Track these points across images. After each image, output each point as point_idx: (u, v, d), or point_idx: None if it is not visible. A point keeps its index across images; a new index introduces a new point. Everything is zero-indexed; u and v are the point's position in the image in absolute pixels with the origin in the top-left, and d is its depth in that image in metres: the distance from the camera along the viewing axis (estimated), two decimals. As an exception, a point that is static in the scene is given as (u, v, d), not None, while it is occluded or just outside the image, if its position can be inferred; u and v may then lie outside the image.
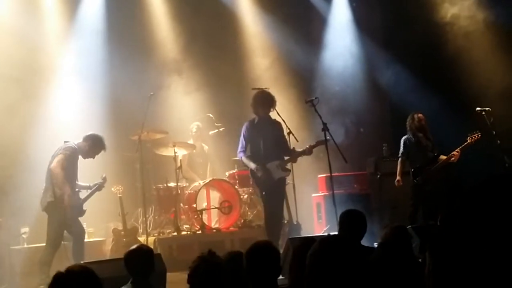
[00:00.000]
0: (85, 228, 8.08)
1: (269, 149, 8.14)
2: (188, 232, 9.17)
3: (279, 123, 8.33)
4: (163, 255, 7.03)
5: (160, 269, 5.54)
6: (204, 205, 9.41)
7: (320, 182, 10.28)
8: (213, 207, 9.47)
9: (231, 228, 9.37)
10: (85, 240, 8.03)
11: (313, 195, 10.34)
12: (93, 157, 7.99)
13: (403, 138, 9.09)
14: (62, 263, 6.86)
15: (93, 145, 7.90)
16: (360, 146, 10.84)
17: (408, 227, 5.51)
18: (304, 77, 11.29)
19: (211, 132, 10.37)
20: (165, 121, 10.27)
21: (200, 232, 9.02)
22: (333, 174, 8.37)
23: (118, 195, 8.83)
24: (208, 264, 3.50)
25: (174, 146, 9.24)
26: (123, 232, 8.81)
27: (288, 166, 8.33)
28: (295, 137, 8.42)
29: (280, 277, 3.82)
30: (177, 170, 9.15)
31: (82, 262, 6.34)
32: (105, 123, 9.51)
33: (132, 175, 9.92)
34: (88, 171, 8.27)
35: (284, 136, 8.35)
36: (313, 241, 2.89)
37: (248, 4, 11.45)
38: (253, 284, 3.61)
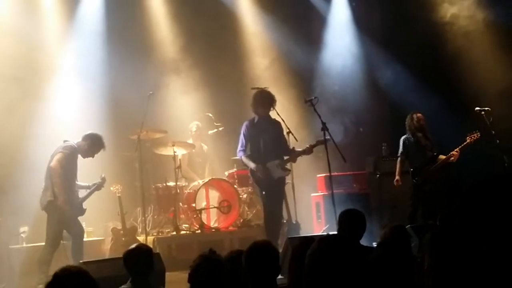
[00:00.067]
0: (84, 227, 8.09)
1: (269, 149, 8.14)
2: (187, 232, 9.17)
3: (278, 123, 8.33)
4: (162, 254, 7.03)
5: (159, 269, 5.54)
6: (203, 204, 9.40)
7: (319, 181, 10.28)
8: (212, 206, 9.47)
9: (230, 228, 9.37)
10: (84, 239, 8.03)
11: (312, 194, 10.34)
12: (93, 156, 7.99)
13: (402, 137, 9.09)
14: (61, 263, 6.81)
15: (93, 144, 7.89)
16: (360, 146, 10.83)
17: (407, 226, 5.51)
18: (304, 76, 11.28)
19: (210, 132, 10.36)
20: (164, 120, 10.27)
21: (199, 231, 9.02)
22: (332, 174, 8.37)
23: (117, 195, 8.83)
24: (209, 263, 3.50)
25: (173, 145, 9.24)
26: (122, 232, 8.81)
27: (288, 165, 8.34)
28: (294, 137, 8.43)
29: (279, 276, 3.81)
30: (176, 170, 9.15)
31: (81, 261, 6.33)
32: (105, 122, 9.50)
33: (131, 175, 9.91)
34: (87, 170, 8.27)
35: (284, 136, 8.35)
36: (312, 240, 2.89)
37: (247, 4, 11.44)
38: (252, 284, 3.61)
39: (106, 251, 8.91)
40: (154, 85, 10.08)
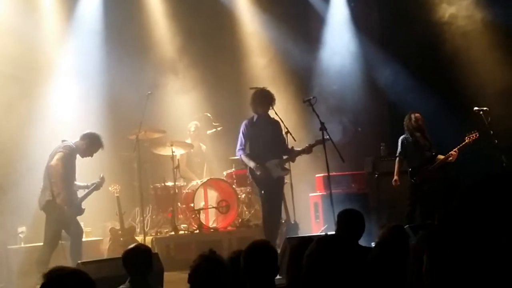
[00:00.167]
0: (82, 227, 8.08)
1: (268, 148, 8.14)
2: (186, 232, 9.16)
3: (277, 122, 8.32)
4: (161, 254, 7.02)
5: (157, 269, 5.54)
6: (202, 204, 9.40)
7: (317, 181, 10.28)
8: (211, 206, 9.47)
9: (229, 228, 9.36)
10: (83, 239, 8.02)
11: (311, 194, 10.33)
12: (91, 156, 7.99)
13: (401, 137, 9.09)
14: (59, 263, 6.81)
15: (91, 143, 7.89)
16: (358, 146, 10.83)
17: (405, 226, 5.50)
18: (302, 76, 11.28)
19: (208, 132, 10.36)
20: (163, 120, 10.27)
21: (197, 231, 9.02)
22: (330, 174, 8.37)
23: (116, 195, 8.81)
24: (209, 263, 3.50)
25: (171, 145, 9.23)
26: (120, 232, 8.80)
27: (286, 165, 8.33)
28: (292, 137, 8.42)
29: (278, 276, 3.81)
30: (175, 170, 9.15)
31: (79, 261, 6.32)
32: (103, 122, 9.50)
33: (129, 175, 9.90)
34: (85, 170, 8.26)
35: (283, 135, 8.34)
36: (310, 240, 2.88)
37: (245, 3, 11.43)
38: (250, 284, 3.61)
39: (104, 251, 8.90)
40: (153, 84, 10.08)
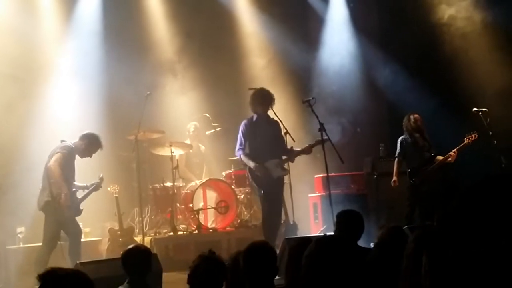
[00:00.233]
0: (81, 227, 8.08)
1: (267, 148, 8.12)
2: (185, 232, 9.16)
3: (277, 122, 8.32)
4: (159, 255, 7.02)
5: (156, 269, 5.54)
6: (201, 205, 9.40)
7: (316, 182, 10.27)
8: (210, 207, 9.46)
9: (228, 228, 9.36)
10: (81, 240, 8.01)
11: (310, 195, 10.32)
12: (90, 156, 7.99)
13: (400, 138, 9.09)
14: (58, 263, 6.83)
15: (90, 143, 7.89)
16: (357, 146, 10.83)
17: (404, 227, 5.50)
18: (301, 76, 11.28)
19: (207, 132, 10.36)
20: (162, 120, 10.26)
21: (196, 232, 9.02)
22: (329, 174, 8.37)
23: (115, 195, 8.81)
24: (209, 263, 3.50)
25: (170, 145, 9.22)
26: (119, 232, 8.79)
27: (285, 165, 8.33)
28: (291, 137, 8.42)
29: (277, 277, 3.81)
30: (174, 170, 9.14)
31: (78, 262, 6.32)
32: (102, 122, 9.49)
33: (128, 175, 9.90)
34: (85, 170, 8.26)
35: (282, 136, 8.34)
36: (309, 241, 2.88)
37: (244, 3, 11.43)
38: (249, 284, 3.61)
39: (103, 251, 8.90)
40: (152, 85, 10.07)
